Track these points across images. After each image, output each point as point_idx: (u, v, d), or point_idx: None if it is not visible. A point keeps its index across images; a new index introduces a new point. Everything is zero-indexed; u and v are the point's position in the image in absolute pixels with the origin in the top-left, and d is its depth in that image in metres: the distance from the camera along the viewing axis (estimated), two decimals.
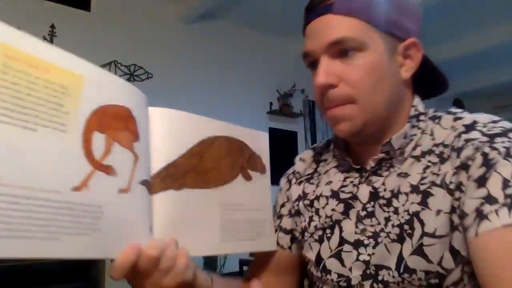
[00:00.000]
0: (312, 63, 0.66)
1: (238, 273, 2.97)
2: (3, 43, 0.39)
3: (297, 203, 0.75)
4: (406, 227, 0.59)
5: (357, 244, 0.64)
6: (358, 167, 0.68)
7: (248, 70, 3.89)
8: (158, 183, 0.55)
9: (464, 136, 0.59)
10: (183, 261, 0.52)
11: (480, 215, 0.52)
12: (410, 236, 0.59)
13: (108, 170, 0.46)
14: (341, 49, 0.62)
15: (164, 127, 0.57)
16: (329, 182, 0.72)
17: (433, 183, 0.60)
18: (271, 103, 4.08)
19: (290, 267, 0.77)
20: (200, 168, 0.59)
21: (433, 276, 0.57)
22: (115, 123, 0.47)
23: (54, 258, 0.41)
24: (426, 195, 0.59)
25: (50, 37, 2.88)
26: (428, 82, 0.71)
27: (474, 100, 5.19)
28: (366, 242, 0.63)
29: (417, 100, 0.68)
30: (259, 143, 0.70)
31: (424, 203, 0.59)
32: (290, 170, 0.82)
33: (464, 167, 0.57)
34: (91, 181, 0.44)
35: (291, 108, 4.15)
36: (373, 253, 0.62)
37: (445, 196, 0.58)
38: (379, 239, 0.62)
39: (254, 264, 0.80)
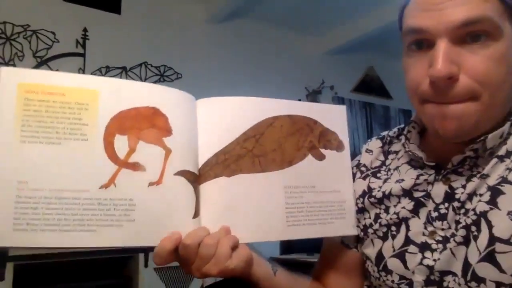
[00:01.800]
0: (419, 42, 0.55)
1: None
2: (21, 83, 0.48)
3: (361, 199, 0.67)
4: (473, 228, 0.52)
5: (423, 247, 0.57)
6: (433, 164, 0.60)
7: (277, 68, 3.87)
8: (206, 172, 0.55)
9: None
10: (224, 249, 0.51)
11: None
12: (476, 238, 0.52)
13: (134, 166, 0.50)
14: (471, 32, 0.51)
15: (213, 116, 0.57)
16: (401, 180, 0.63)
17: (505, 180, 0.52)
18: (299, 100, 4.04)
19: (361, 268, 0.69)
20: (257, 151, 0.57)
21: None
22: (137, 123, 0.52)
23: (96, 247, 0.47)
24: (496, 193, 0.52)
25: (83, 40, 2.95)
26: None
27: None
28: (434, 246, 0.56)
29: None
30: (335, 118, 0.65)
31: (493, 202, 0.52)
32: (354, 162, 0.73)
33: None
34: (118, 179, 0.49)
35: None
36: (438, 259, 0.55)
37: None
38: (448, 245, 0.55)
39: (321, 263, 0.73)
